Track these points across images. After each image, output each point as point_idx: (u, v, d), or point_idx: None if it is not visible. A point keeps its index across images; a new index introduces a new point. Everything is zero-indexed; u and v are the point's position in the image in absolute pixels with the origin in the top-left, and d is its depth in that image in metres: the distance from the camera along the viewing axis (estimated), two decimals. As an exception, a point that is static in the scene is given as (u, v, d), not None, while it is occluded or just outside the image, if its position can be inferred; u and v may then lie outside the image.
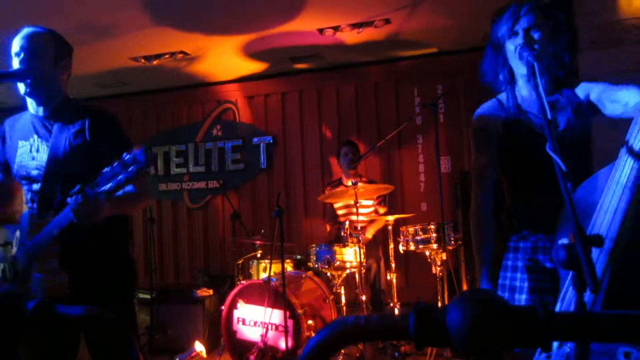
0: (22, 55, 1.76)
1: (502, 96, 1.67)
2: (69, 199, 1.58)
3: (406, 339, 0.73)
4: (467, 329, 0.65)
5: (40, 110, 1.86)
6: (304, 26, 4.35)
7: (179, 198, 6.01)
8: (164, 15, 4.05)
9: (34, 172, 1.81)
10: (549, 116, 1.14)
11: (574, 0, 3.00)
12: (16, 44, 1.78)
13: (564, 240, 1.00)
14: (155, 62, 5.05)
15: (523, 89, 1.62)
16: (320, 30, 4.44)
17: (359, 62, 5.38)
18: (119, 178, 1.47)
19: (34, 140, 1.84)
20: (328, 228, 4.21)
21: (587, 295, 0.91)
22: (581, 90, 1.54)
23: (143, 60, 5.03)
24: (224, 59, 5.16)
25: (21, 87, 1.79)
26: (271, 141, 5.67)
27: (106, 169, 1.50)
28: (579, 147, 1.51)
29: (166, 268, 6.02)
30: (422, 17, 4.24)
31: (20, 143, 1.87)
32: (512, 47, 1.54)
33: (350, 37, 4.60)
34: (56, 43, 1.85)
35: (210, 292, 4.14)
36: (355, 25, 4.34)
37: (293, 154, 5.62)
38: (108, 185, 1.49)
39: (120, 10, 3.91)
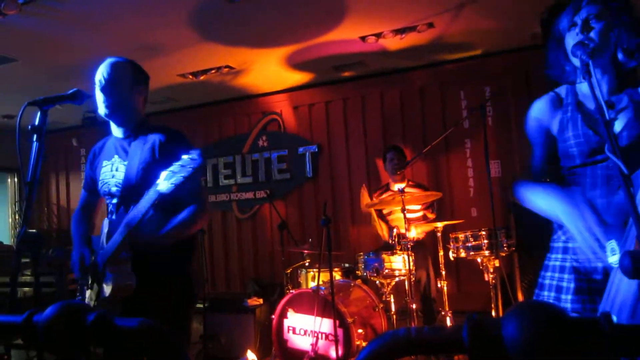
0: (103, 82, 1.97)
1: (562, 90, 1.61)
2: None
3: (460, 352, 0.71)
4: (526, 342, 0.63)
5: (120, 132, 2.06)
6: (346, 34, 4.36)
7: (228, 209, 6.14)
8: (209, 31, 4.18)
9: (114, 189, 2.01)
10: (607, 116, 1.09)
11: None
12: (99, 73, 1.99)
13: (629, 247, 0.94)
14: (202, 78, 5.21)
15: (584, 85, 1.54)
16: (363, 38, 4.45)
17: (402, 67, 5.33)
18: (179, 177, 1.67)
19: (114, 160, 2.05)
20: (382, 230, 4.08)
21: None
22: None
23: (191, 77, 5.21)
24: (268, 71, 5.25)
25: (102, 111, 2.00)
26: (316, 150, 5.70)
27: (166, 170, 1.70)
28: (637, 151, 1.40)
29: (218, 277, 6.15)
30: (466, 19, 4.16)
31: (104, 162, 2.10)
32: (571, 40, 1.47)
33: (393, 43, 4.58)
34: (133, 71, 2.05)
35: (261, 301, 4.19)
36: (397, 31, 4.32)
37: (338, 162, 5.63)
38: (170, 186, 1.69)
39: (168, 29, 4.07)
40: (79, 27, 3.90)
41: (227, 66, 5.00)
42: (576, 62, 1.46)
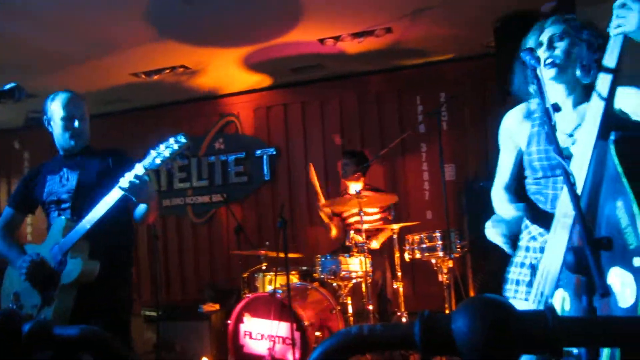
0: (76, 121, 2.20)
1: (532, 106, 1.69)
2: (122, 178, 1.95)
3: (412, 349, 0.71)
4: (474, 336, 0.63)
5: (69, 150, 2.25)
6: (305, 36, 4.37)
7: (183, 213, 6.00)
8: (164, 29, 4.08)
9: (64, 196, 2.17)
10: (552, 120, 1.13)
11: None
12: (70, 108, 2.20)
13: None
14: (155, 77, 5.08)
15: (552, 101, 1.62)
16: (321, 41, 4.46)
17: (361, 71, 5.39)
18: (165, 154, 1.93)
19: (63, 173, 2.22)
20: (334, 231, 4.10)
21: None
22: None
23: (144, 76, 5.06)
24: (225, 72, 5.18)
25: (77, 142, 2.23)
26: (274, 153, 5.67)
27: (151, 151, 1.95)
28: None
29: (172, 284, 5.99)
30: (423, 25, 4.25)
31: (50, 176, 2.24)
32: (543, 55, 1.54)
33: (351, 46, 4.61)
34: (86, 104, 2.31)
35: (217, 306, 4.11)
36: (356, 35, 4.36)
37: (297, 165, 5.61)
38: (157, 162, 1.94)
39: (120, 26, 3.94)
40: (25, 20, 3.72)
41: (182, 66, 4.89)
42: (545, 75, 1.54)
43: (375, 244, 3.80)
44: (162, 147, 1.93)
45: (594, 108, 1.28)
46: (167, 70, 4.93)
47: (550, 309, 0.63)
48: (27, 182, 2.31)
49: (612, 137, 1.12)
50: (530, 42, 1.59)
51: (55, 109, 2.20)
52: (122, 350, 0.95)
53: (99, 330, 0.97)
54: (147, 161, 1.93)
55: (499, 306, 0.64)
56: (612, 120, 1.22)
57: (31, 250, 2.14)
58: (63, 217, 2.11)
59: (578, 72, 1.53)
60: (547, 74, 1.52)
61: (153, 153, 1.93)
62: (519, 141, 1.68)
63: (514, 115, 1.72)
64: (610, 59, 1.28)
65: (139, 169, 1.93)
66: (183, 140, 1.93)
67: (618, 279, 0.99)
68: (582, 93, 1.55)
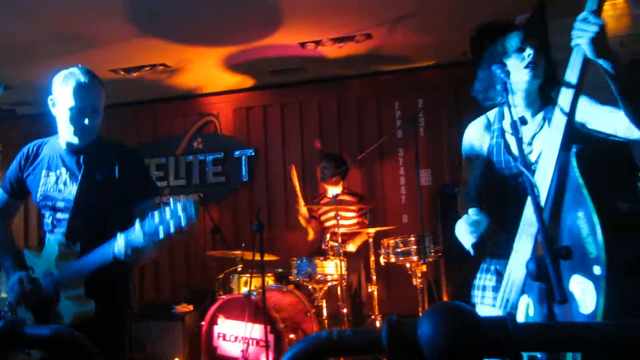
0: (86, 118, 1.82)
1: (492, 114, 1.73)
2: (118, 238, 1.65)
3: (380, 353, 0.74)
4: (438, 342, 0.66)
5: (71, 145, 1.90)
6: (286, 39, 4.38)
7: (159, 212, 5.93)
8: (145, 26, 4.04)
9: (60, 204, 1.88)
10: (520, 134, 1.17)
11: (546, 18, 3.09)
12: (77, 99, 1.80)
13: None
14: (135, 75, 5.02)
15: (514, 106, 1.66)
16: (302, 44, 4.48)
17: (341, 75, 5.43)
18: (169, 229, 1.55)
19: (61, 173, 1.90)
20: (311, 234, 4.13)
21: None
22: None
23: (123, 73, 5.00)
24: (206, 72, 5.15)
25: (64, 120, 1.84)
26: (253, 154, 5.66)
27: (155, 215, 1.57)
28: None
29: (147, 285, 5.92)
30: (403, 32, 4.31)
31: (45, 172, 1.93)
32: (517, 62, 1.58)
33: (332, 51, 4.65)
34: (104, 92, 1.93)
35: (190, 307, 4.08)
36: (336, 40, 4.39)
37: (275, 167, 5.61)
38: (158, 232, 1.56)
39: (100, 21, 3.89)
40: (2, 10, 3.64)
41: (162, 64, 4.85)
42: (522, 76, 1.58)
43: (351, 247, 3.83)
44: (167, 214, 1.56)
45: (557, 122, 1.32)
46: (147, 68, 4.88)
47: (510, 315, 0.66)
48: (22, 167, 1.99)
49: (573, 150, 1.16)
50: (513, 42, 1.61)
51: (64, 94, 1.81)
52: (93, 352, 0.96)
53: (71, 330, 0.97)
54: (148, 230, 1.59)
55: (462, 313, 0.67)
56: (574, 133, 1.27)
57: (29, 261, 1.94)
58: (57, 242, 1.84)
59: (541, 83, 1.59)
60: (525, 77, 1.56)
61: (157, 219, 1.57)
62: (480, 152, 1.73)
63: (475, 128, 1.77)
64: (571, 74, 1.32)
65: (138, 237, 1.61)
66: (194, 211, 1.55)
67: (579, 287, 1.04)
68: (541, 103, 1.60)
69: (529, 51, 1.56)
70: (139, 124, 6.11)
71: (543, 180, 1.25)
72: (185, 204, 1.55)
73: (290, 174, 4.06)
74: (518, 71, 1.58)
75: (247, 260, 3.93)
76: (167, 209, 1.55)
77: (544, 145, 1.33)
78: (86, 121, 1.81)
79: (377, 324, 3.40)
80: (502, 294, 1.34)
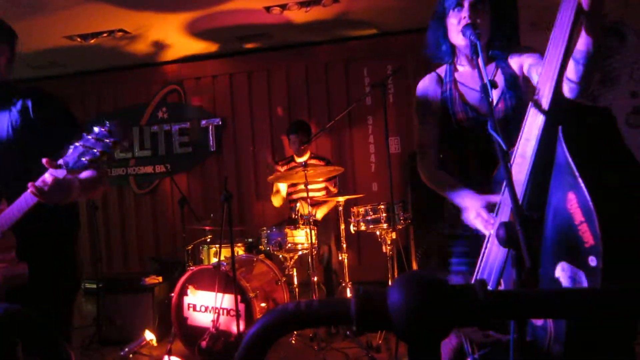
0: None
1: (442, 70, 1.69)
2: (38, 180, 1.49)
3: (348, 324, 0.72)
4: (407, 312, 0.64)
5: None
6: (251, 4, 4.23)
7: (124, 184, 5.79)
8: (100, -10, 3.83)
9: None
10: (490, 97, 1.15)
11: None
12: None
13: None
14: (92, 41, 4.78)
15: (461, 63, 1.64)
16: (267, 9, 4.34)
17: (308, 41, 5.31)
18: (94, 152, 1.43)
19: None
20: (277, 205, 4.13)
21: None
22: (515, 61, 1.57)
23: (79, 39, 4.76)
24: (168, 38, 4.96)
25: None
26: (220, 123, 5.53)
27: (77, 144, 1.45)
28: (513, 121, 1.49)
29: (114, 257, 5.82)
30: (370, -4, 4.22)
31: None
32: (454, 20, 1.53)
33: (298, 15, 4.52)
34: None
35: (160, 279, 4.02)
36: (302, 4, 4.27)
37: (243, 136, 5.52)
38: (83, 159, 1.44)
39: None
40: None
41: (121, 30, 4.62)
42: (459, 41, 1.54)
43: (318, 215, 3.82)
44: (92, 140, 1.45)
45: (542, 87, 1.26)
46: (105, 34, 4.65)
47: (480, 282, 0.65)
48: None
49: (561, 126, 1.04)
50: (448, 1, 1.56)
51: None
52: (50, 329, 0.91)
53: (25, 309, 0.91)
54: (70, 159, 1.46)
55: (430, 282, 0.65)
56: (562, 105, 1.18)
57: None
58: None
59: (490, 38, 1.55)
60: (461, 40, 1.51)
61: (80, 147, 1.46)
62: (435, 104, 1.66)
63: (427, 81, 1.71)
64: (559, 33, 1.24)
65: (59, 171, 1.48)
66: (119, 131, 1.46)
67: (565, 274, 1.00)
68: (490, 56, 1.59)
69: (465, 12, 1.48)
70: (100, 93, 5.88)
71: (524, 151, 1.17)
72: (110, 126, 1.46)
73: (268, 163, 4.03)
74: (455, 33, 1.53)
75: (216, 231, 3.89)
76: (91, 135, 1.46)
77: (528, 116, 1.23)
78: None
79: (348, 291, 3.44)
80: (477, 269, 1.29)
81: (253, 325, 0.81)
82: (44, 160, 1.46)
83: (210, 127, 5.54)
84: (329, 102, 5.31)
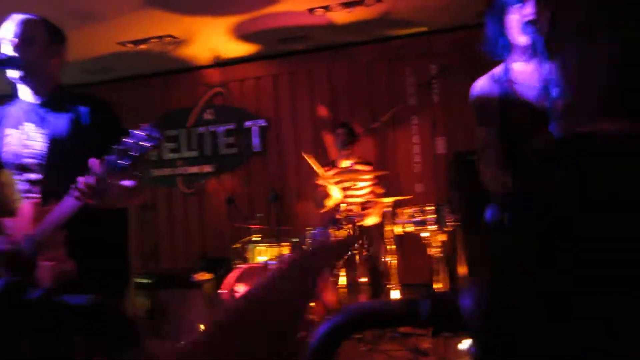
0: (14, 40, 1.74)
1: (496, 70, 1.68)
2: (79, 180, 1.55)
3: (421, 327, 0.74)
4: (479, 314, 0.66)
5: (34, 98, 1.83)
6: (294, 6, 4.29)
7: (172, 184, 5.98)
8: (151, -2, 3.98)
9: (29, 161, 1.79)
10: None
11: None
12: (6, 30, 1.76)
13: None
14: (142, 47, 4.97)
15: (518, 61, 1.62)
16: (311, 10, 4.38)
17: (350, 42, 5.32)
18: (132, 154, 1.48)
19: (26, 128, 1.81)
20: (326, 208, 4.15)
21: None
22: None
23: (130, 45, 4.95)
24: (214, 42, 5.08)
25: (13, 74, 1.77)
26: (264, 124, 5.63)
27: (116, 147, 1.50)
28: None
29: (162, 253, 6.02)
30: (414, -5, 4.20)
31: (9, 131, 1.84)
32: (516, 16, 1.52)
33: (341, 16, 4.55)
34: (47, 30, 1.83)
35: (209, 276, 4.15)
36: (346, 5, 4.29)
37: (286, 137, 5.60)
38: (122, 162, 1.49)
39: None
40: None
41: (169, 35, 4.78)
42: (520, 38, 1.52)
43: (369, 222, 3.79)
44: (130, 142, 1.49)
45: None
46: (154, 40, 4.82)
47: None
48: None
49: None
50: (499, 4, 1.55)
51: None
52: (132, 321, 0.97)
53: (107, 300, 0.97)
54: (110, 162, 1.51)
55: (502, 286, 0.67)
56: None
57: (7, 230, 1.80)
58: (31, 202, 1.76)
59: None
60: (522, 37, 1.48)
61: (119, 150, 1.50)
62: (494, 104, 1.64)
63: (483, 83, 1.70)
64: None
65: (99, 171, 1.52)
66: (157, 135, 1.48)
67: None
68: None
69: (529, 5, 1.45)
70: (149, 96, 6.09)
71: None
72: (147, 129, 1.50)
73: (306, 157, 4.02)
74: (517, 30, 1.51)
75: (262, 230, 3.97)
76: (130, 138, 1.50)
77: None
78: (14, 52, 1.72)
79: (395, 293, 3.44)
80: None
81: (323, 323, 0.85)
82: (90, 162, 1.54)
83: (255, 128, 5.65)
84: (371, 103, 5.30)
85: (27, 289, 0.78)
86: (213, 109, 5.86)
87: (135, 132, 1.49)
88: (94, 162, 1.53)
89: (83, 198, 1.55)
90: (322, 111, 5.13)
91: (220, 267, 5.09)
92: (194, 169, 5.88)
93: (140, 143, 1.47)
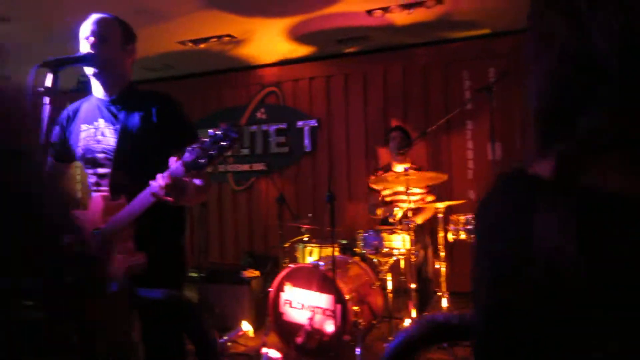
0: (91, 39, 1.82)
1: None
2: (157, 176, 1.58)
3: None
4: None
5: (107, 95, 1.91)
6: (353, 7, 4.27)
7: (223, 180, 6.11)
8: (213, -2, 4.07)
9: (100, 155, 1.87)
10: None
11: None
12: (85, 29, 1.84)
13: None
14: (202, 46, 5.09)
15: None
16: (369, 12, 4.35)
17: (407, 43, 5.25)
18: (210, 153, 1.49)
19: (99, 124, 1.89)
20: (379, 213, 4.09)
21: None
22: None
23: (190, 44, 5.08)
24: (270, 42, 5.14)
25: (89, 70, 1.85)
26: (316, 125, 5.65)
27: (194, 146, 1.51)
28: None
29: (211, 248, 6.15)
30: (477, -4, 4.09)
31: (84, 127, 1.93)
32: None
33: (400, 18, 4.49)
34: (122, 29, 1.91)
35: (257, 273, 4.20)
36: (406, 6, 4.23)
37: (337, 138, 5.59)
38: (200, 161, 1.50)
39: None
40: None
41: (228, 35, 4.88)
42: None
43: (418, 220, 3.75)
44: (208, 142, 1.50)
45: None
46: (214, 39, 4.94)
47: None
48: (64, 127, 2.00)
49: None
50: None
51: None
52: (202, 315, 0.98)
53: (180, 294, 0.99)
54: (188, 160, 1.52)
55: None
56: None
57: (78, 222, 1.82)
58: (101, 196, 1.82)
59: None
60: None
61: (197, 150, 1.51)
62: None
63: None
64: None
65: (178, 171, 1.54)
66: (235, 135, 1.48)
67: None
68: None
69: None
70: (205, 94, 6.25)
71: None
72: (226, 129, 1.49)
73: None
74: None
75: (312, 230, 3.98)
76: (208, 138, 1.51)
77: None
78: (91, 49, 1.78)
79: (444, 301, 3.36)
80: None
81: (398, 334, 0.82)
82: (170, 160, 1.57)
83: (306, 128, 5.67)
84: (426, 106, 5.21)
85: (107, 283, 0.80)
86: (266, 108, 5.93)
87: (214, 131, 1.50)
88: (173, 161, 1.55)
89: (161, 195, 1.57)
90: (373, 118, 4.80)
91: (266, 265, 5.16)
92: (245, 167, 5.98)
93: (219, 143, 1.48)
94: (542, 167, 0.54)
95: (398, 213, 3.46)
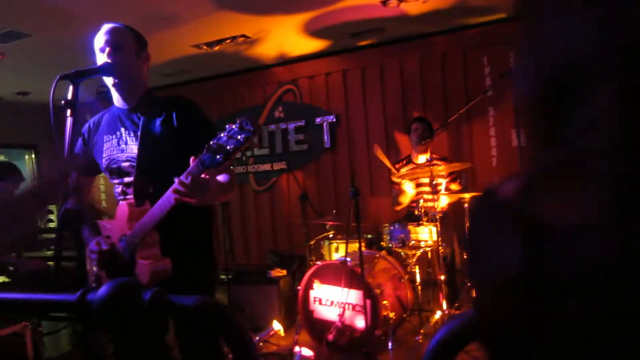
0: (107, 49, 1.83)
1: None
2: (176, 178, 1.57)
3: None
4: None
5: (126, 104, 1.93)
6: (366, -1, 4.22)
7: (244, 181, 6.13)
8: (224, 0, 4.06)
9: (125, 164, 1.89)
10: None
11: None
12: (100, 39, 1.86)
13: None
14: (217, 48, 5.10)
15: None
16: (384, 2, 4.29)
17: (423, 33, 5.17)
18: (227, 148, 1.46)
19: (120, 134, 1.91)
20: (402, 205, 4.04)
21: None
22: None
23: (205, 47, 5.10)
24: (285, 40, 5.12)
25: (108, 81, 1.86)
26: (334, 120, 5.61)
27: (211, 143, 1.49)
28: None
29: (236, 249, 6.18)
30: (493, -20, 3.99)
31: (107, 137, 1.95)
32: None
33: (415, 7, 4.42)
34: (134, 36, 1.93)
35: (284, 272, 4.20)
36: (421, -5, 4.16)
37: (357, 133, 5.54)
38: (217, 157, 1.48)
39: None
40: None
41: (242, 35, 4.87)
42: None
43: (443, 202, 3.67)
44: (224, 137, 1.47)
45: None
46: (228, 40, 4.94)
47: None
48: (87, 140, 2.03)
49: None
50: None
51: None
52: (238, 320, 0.97)
53: (214, 300, 0.98)
54: (205, 158, 1.50)
55: None
56: None
57: (104, 231, 1.93)
58: (123, 203, 1.84)
59: None
60: None
61: (213, 146, 1.49)
62: None
63: None
64: None
65: (196, 169, 1.52)
66: (251, 128, 1.45)
67: None
68: None
69: None
70: (221, 96, 6.27)
71: None
72: (241, 123, 1.46)
73: (376, 153, 3.91)
74: None
75: (336, 226, 3.96)
76: (224, 133, 1.48)
77: None
78: (108, 59, 1.79)
79: (474, 292, 3.30)
80: None
81: (439, 330, 0.79)
82: (191, 159, 1.55)
83: (325, 124, 5.65)
84: (445, 95, 5.12)
85: (141, 290, 0.78)
86: (283, 106, 5.92)
87: (230, 126, 1.48)
88: (192, 160, 1.54)
89: (182, 197, 1.55)
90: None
91: (292, 263, 5.16)
92: (266, 167, 5.98)
93: (236, 137, 1.45)
94: (508, 189, 0.56)
95: (423, 205, 3.41)
